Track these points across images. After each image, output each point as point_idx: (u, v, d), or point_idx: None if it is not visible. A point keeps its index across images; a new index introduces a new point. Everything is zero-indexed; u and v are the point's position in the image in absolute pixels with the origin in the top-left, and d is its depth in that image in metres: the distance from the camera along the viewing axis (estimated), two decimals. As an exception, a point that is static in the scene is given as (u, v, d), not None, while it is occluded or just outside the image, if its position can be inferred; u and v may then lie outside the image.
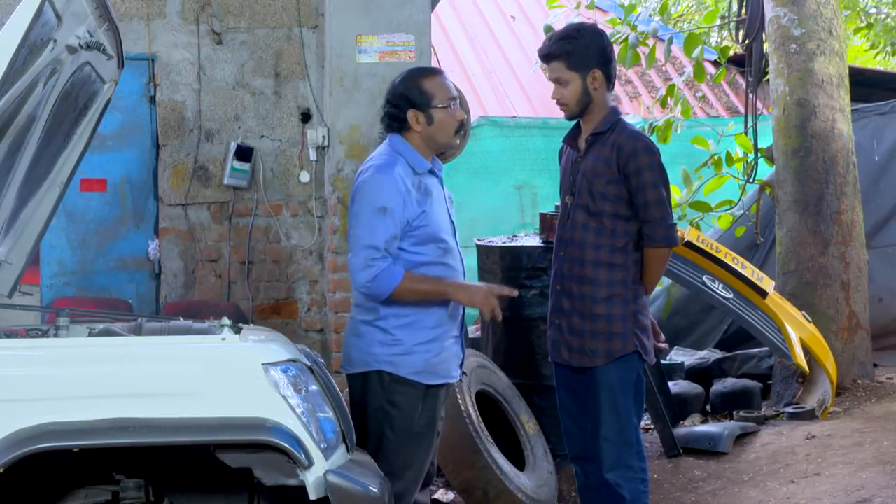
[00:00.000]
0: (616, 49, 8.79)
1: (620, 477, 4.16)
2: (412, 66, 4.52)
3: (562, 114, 4.31)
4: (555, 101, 4.26)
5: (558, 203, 6.19)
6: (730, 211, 8.26)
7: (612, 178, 4.13)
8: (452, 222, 4.14)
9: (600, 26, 9.11)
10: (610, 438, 4.16)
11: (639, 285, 4.22)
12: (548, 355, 5.92)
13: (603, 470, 4.17)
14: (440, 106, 3.98)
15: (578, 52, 4.14)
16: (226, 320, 3.56)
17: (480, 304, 3.97)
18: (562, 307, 4.27)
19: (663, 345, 4.46)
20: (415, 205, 3.92)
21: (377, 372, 3.95)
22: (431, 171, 4.05)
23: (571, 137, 4.34)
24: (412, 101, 3.98)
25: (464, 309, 4.14)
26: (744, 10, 7.99)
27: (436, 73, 4.11)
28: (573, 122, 4.34)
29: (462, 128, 4.12)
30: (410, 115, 3.98)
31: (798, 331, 6.37)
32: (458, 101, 4.08)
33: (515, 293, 4.15)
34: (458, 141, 4.18)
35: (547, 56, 4.21)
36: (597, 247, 4.16)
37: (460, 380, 4.20)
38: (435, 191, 4.05)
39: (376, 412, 3.95)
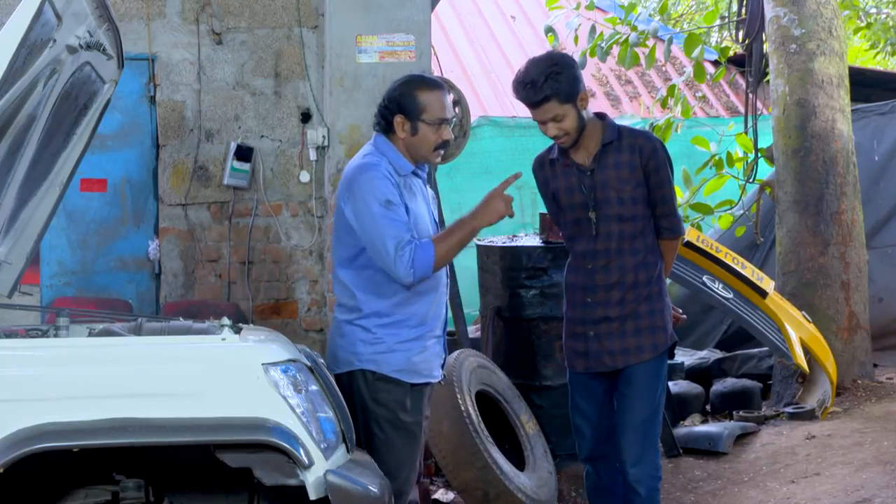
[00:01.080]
0: (616, 49, 8.81)
1: (643, 473, 4.19)
2: (417, 72, 4.48)
3: None
4: (552, 137, 4.23)
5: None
6: (730, 211, 8.27)
7: (639, 181, 4.18)
8: (436, 222, 4.15)
9: (599, 26, 9.11)
10: (639, 430, 4.20)
11: (664, 279, 4.34)
12: (547, 356, 5.97)
13: (626, 464, 4.20)
14: (428, 121, 3.97)
15: (565, 85, 4.11)
16: (226, 320, 3.56)
17: (505, 212, 4.00)
18: (594, 317, 4.26)
19: (682, 316, 4.64)
20: (402, 200, 3.95)
21: (361, 371, 3.97)
22: (415, 173, 4.07)
23: (566, 155, 4.29)
24: (403, 107, 3.97)
25: (447, 309, 4.16)
26: (744, 10, 7.99)
27: (437, 87, 4.06)
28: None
29: (445, 146, 4.09)
30: (397, 119, 3.98)
31: (798, 331, 6.37)
32: (449, 121, 4.03)
33: (520, 174, 4.16)
34: (437, 160, 4.15)
35: (540, 101, 4.14)
36: (635, 251, 4.22)
37: (441, 381, 4.21)
38: (417, 191, 4.07)
39: (362, 411, 3.96)
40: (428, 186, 4.22)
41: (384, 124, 4.02)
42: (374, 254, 3.90)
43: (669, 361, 6.41)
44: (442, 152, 4.08)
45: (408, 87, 4.01)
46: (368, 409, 3.96)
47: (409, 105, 3.96)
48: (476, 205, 4.03)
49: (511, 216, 4.10)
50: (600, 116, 4.30)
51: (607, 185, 4.20)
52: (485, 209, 4.00)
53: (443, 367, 4.17)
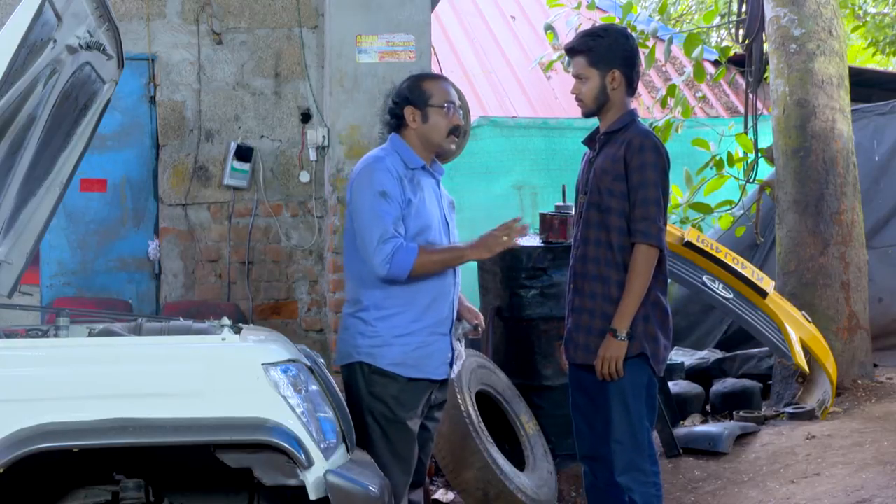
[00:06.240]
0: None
1: (632, 481, 4.14)
2: (418, 71, 4.58)
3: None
4: (573, 95, 4.27)
5: (558, 203, 6.23)
6: (730, 211, 8.26)
7: (619, 174, 4.11)
8: (447, 223, 4.18)
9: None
10: (622, 441, 4.14)
11: (651, 291, 4.14)
12: (547, 356, 5.98)
13: (615, 473, 4.16)
14: (436, 105, 4.10)
15: (600, 50, 4.16)
16: (226, 320, 3.56)
17: (500, 250, 4.04)
18: (573, 305, 4.27)
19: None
20: (404, 192, 4.00)
21: (359, 363, 4.04)
22: (425, 169, 4.14)
23: (590, 138, 4.33)
24: (410, 98, 4.13)
25: (454, 308, 4.17)
26: (744, 10, 7.99)
27: (439, 78, 4.28)
28: (589, 124, 4.34)
29: (457, 131, 4.20)
30: (407, 111, 4.12)
31: (798, 331, 6.36)
32: (456, 105, 4.16)
33: (525, 228, 4.12)
34: (452, 146, 4.24)
35: (570, 50, 4.26)
36: (609, 246, 4.14)
37: (450, 378, 4.21)
38: (427, 188, 4.12)
39: (359, 403, 4.02)
40: (443, 189, 4.25)
41: (395, 122, 4.16)
42: (360, 241, 3.99)
43: (670, 362, 6.35)
44: (455, 138, 4.18)
45: (412, 81, 4.20)
46: (364, 401, 4.02)
47: (415, 95, 4.12)
48: (474, 239, 4.09)
49: (500, 251, 4.09)
50: (630, 111, 4.25)
51: (596, 173, 4.19)
52: (479, 244, 4.07)
53: (451, 365, 4.18)
